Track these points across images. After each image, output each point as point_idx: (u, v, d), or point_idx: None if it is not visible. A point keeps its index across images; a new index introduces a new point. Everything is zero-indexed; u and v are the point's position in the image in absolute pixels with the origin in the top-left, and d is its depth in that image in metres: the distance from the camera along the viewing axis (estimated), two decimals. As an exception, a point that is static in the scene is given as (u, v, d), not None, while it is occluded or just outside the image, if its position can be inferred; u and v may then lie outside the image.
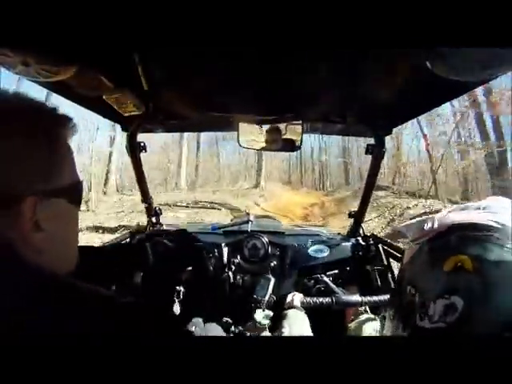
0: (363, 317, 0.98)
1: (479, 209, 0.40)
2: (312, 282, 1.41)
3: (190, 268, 1.37)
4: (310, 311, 1.06)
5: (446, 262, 0.36)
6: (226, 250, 1.52)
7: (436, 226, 0.41)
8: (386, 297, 1.01)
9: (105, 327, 0.31)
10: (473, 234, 0.37)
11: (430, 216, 0.45)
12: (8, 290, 0.30)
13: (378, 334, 0.68)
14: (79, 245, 0.43)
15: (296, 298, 1.10)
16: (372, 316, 1.01)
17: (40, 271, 0.33)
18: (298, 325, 0.94)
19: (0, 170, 0.31)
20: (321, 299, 1.11)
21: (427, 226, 0.42)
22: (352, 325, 0.96)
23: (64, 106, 0.45)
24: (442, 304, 0.34)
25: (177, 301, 1.25)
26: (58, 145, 0.37)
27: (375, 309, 1.08)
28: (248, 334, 1.16)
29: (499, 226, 0.36)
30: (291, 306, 1.05)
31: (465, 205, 0.43)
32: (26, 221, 0.33)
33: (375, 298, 1.05)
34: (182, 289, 1.30)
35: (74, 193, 0.39)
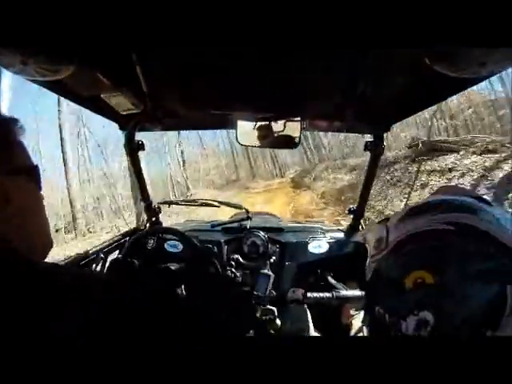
0: (363, 313, 0.99)
1: (429, 210, 0.38)
2: (312, 277, 1.42)
3: (189, 266, 1.37)
4: (311, 306, 1.07)
5: (406, 279, 0.35)
6: (225, 247, 1.52)
7: (390, 239, 0.40)
8: None
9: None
10: (427, 244, 0.36)
11: (381, 224, 0.43)
12: None
13: None
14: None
15: (297, 292, 1.11)
16: None
17: (10, 245, 0.39)
18: (299, 319, 0.94)
19: None
20: (321, 294, 1.11)
21: (380, 241, 0.41)
22: (352, 321, 0.97)
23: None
24: (413, 320, 0.34)
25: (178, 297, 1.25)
26: (11, 137, 0.44)
27: None
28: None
29: (453, 228, 0.35)
30: (293, 301, 1.06)
31: (414, 206, 0.41)
32: None
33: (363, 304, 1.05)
34: (182, 286, 1.30)
35: (32, 173, 0.46)
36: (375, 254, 0.41)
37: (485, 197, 0.39)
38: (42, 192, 0.49)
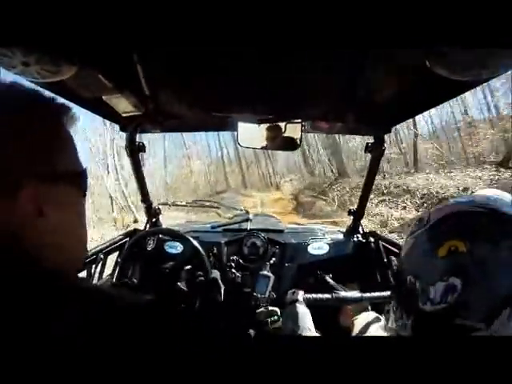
0: (364, 314, 0.99)
1: (468, 199, 0.42)
2: (312, 279, 1.42)
3: (189, 267, 1.37)
4: (310, 308, 1.07)
5: (441, 248, 0.38)
6: (225, 248, 1.52)
7: (430, 218, 0.43)
8: (386, 293, 1.01)
9: (108, 330, 0.30)
10: (462, 221, 0.39)
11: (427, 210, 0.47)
12: (7, 284, 0.29)
13: (380, 331, 0.68)
14: None
15: (297, 294, 1.11)
16: (373, 313, 1.02)
17: (42, 265, 0.33)
18: (300, 319, 0.94)
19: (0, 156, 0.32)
20: (320, 296, 1.11)
21: (422, 220, 0.44)
22: (354, 322, 0.96)
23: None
24: (441, 286, 0.37)
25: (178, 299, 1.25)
26: (56, 131, 0.37)
27: (376, 306, 1.08)
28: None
29: (485, 211, 0.38)
30: (293, 302, 1.05)
31: (461, 197, 0.45)
32: (27, 205, 0.33)
33: (375, 295, 1.05)
34: (183, 287, 1.30)
35: (76, 179, 0.39)
36: (415, 230, 0.45)
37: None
38: (85, 199, 0.42)
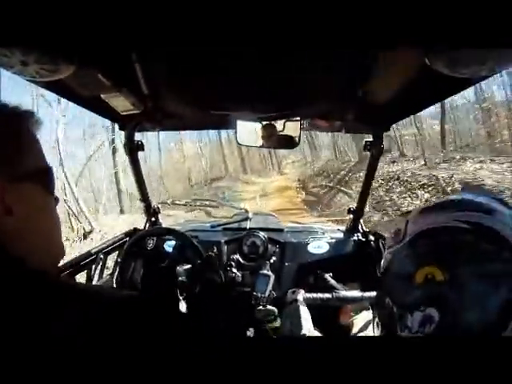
0: (364, 314, 0.99)
1: (446, 207, 0.39)
2: (311, 278, 1.42)
3: (189, 266, 1.37)
4: (310, 307, 1.07)
5: (417, 274, 0.36)
6: (225, 248, 1.53)
7: (408, 231, 0.40)
8: None
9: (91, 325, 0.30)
10: (441, 240, 0.36)
11: (402, 217, 0.45)
12: None
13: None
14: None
15: (297, 293, 1.11)
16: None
17: (16, 261, 0.33)
18: (300, 319, 0.95)
19: None
20: (320, 295, 1.12)
21: (398, 233, 0.42)
22: (353, 322, 0.97)
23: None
24: (418, 316, 0.35)
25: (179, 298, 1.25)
26: (20, 133, 0.39)
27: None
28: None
29: (468, 227, 0.35)
30: (293, 301, 1.06)
31: (434, 203, 0.42)
32: None
33: (375, 294, 1.06)
34: (182, 288, 1.30)
35: (43, 178, 0.41)
36: (392, 245, 0.42)
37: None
38: (54, 195, 0.43)
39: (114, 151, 11.63)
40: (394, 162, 10.10)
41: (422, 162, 8.79)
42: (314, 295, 1.12)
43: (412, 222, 0.41)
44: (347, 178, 10.06)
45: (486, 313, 0.32)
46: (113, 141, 11.44)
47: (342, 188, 9.13)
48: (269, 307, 1.26)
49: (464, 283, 0.33)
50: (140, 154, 1.41)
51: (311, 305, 1.07)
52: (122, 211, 11.92)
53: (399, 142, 11.38)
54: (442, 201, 0.41)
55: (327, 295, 1.10)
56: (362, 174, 8.56)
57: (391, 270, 0.41)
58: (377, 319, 0.45)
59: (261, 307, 1.27)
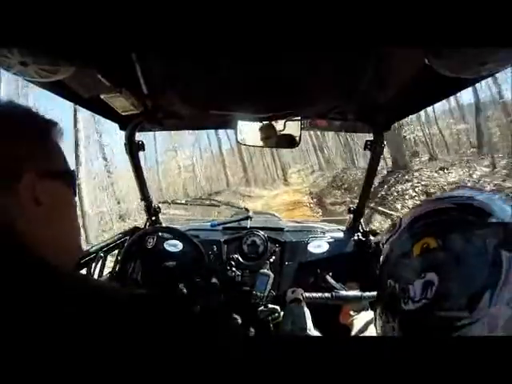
0: (363, 314, 0.99)
1: (437, 199, 0.44)
2: (311, 277, 1.42)
3: (189, 265, 1.37)
4: (310, 306, 1.07)
5: (414, 248, 0.40)
6: (225, 247, 1.53)
7: (402, 223, 0.45)
8: None
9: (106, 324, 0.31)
10: (434, 219, 0.41)
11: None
12: (8, 276, 0.31)
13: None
14: None
15: (296, 293, 1.11)
16: (372, 312, 1.02)
17: (37, 255, 0.35)
18: (299, 319, 0.95)
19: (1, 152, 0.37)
20: (320, 294, 1.12)
21: (394, 225, 0.46)
22: (353, 321, 0.97)
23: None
24: (419, 283, 0.38)
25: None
26: (50, 138, 0.43)
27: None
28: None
29: (455, 206, 0.40)
30: (293, 301, 1.06)
31: (426, 198, 0.46)
32: (25, 194, 0.37)
33: (375, 293, 1.06)
34: (182, 286, 1.31)
35: (69, 179, 0.45)
36: (389, 236, 0.47)
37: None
38: (75, 198, 0.47)
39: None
40: (442, 169, 8.39)
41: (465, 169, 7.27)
42: (314, 294, 1.12)
43: (405, 215, 0.46)
44: (383, 193, 7.64)
45: (478, 269, 0.35)
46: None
47: (380, 208, 6.65)
48: (270, 306, 1.27)
49: (455, 246, 0.37)
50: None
51: (311, 304, 1.07)
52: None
53: (430, 143, 10.43)
54: (434, 197, 0.46)
55: (327, 295, 1.11)
56: (404, 186, 7.18)
57: (390, 255, 0.45)
58: (378, 309, 0.47)
59: (262, 307, 1.27)
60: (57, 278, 0.34)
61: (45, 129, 0.43)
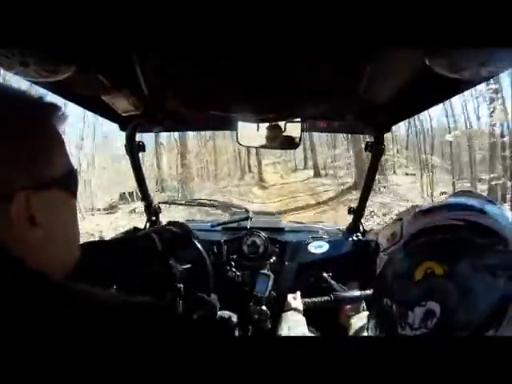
0: (363, 314, 0.99)
1: (441, 209, 0.40)
2: (311, 278, 1.42)
3: (189, 265, 1.37)
4: (309, 311, 1.07)
5: (416, 270, 0.37)
6: (225, 247, 1.52)
7: (403, 233, 0.41)
8: None
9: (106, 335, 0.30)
10: (438, 237, 0.37)
11: (400, 219, 0.45)
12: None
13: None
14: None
15: (295, 300, 1.11)
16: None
17: (36, 273, 0.32)
18: (296, 327, 0.94)
19: None
20: (320, 298, 1.11)
21: (394, 235, 0.43)
22: (352, 322, 0.96)
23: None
24: (420, 311, 0.35)
25: (178, 298, 1.25)
26: (45, 134, 0.35)
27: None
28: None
29: (462, 224, 0.37)
30: (290, 309, 1.06)
31: (429, 206, 0.43)
32: (19, 217, 0.31)
33: (371, 294, 1.06)
34: (181, 286, 1.30)
35: (68, 182, 0.37)
36: (388, 246, 0.43)
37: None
38: (75, 197, 0.40)
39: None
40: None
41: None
42: (313, 299, 1.11)
43: (407, 223, 0.42)
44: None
45: (485, 304, 0.33)
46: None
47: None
48: (264, 308, 1.27)
49: (462, 276, 0.34)
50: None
51: (311, 308, 1.07)
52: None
53: None
54: (437, 204, 0.42)
55: (325, 297, 1.10)
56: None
57: (389, 271, 0.42)
58: (371, 320, 0.45)
59: (254, 307, 1.28)
60: (52, 291, 0.31)
61: (43, 123, 0.35)
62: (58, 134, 0.37)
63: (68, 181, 0.37)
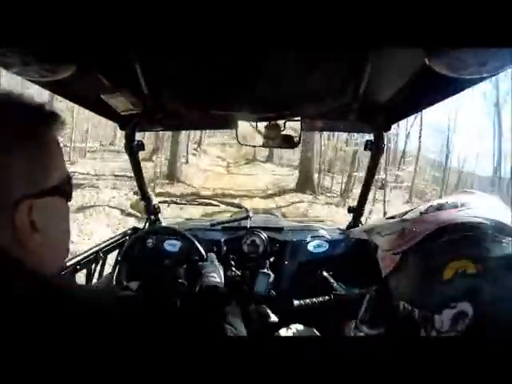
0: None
1: (456, 207, 0.38)
2: (311, 277, 1.42)
3: (188, 265, 1.37)
4: (309, 311, 1.07)
5: (445, 270, 0.34)
6: (224, 247, 1.52)
7: (418, 230, 0.38)
8: None
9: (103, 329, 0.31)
10: (465, 235, 0.35)
11: (403, 219, 0.41)
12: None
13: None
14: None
15: (292, 328, 1.10)
16: None
17: (36, 273, 0.33)
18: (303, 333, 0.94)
19: None
20: (320, 299, 1.12)
21: (403, 234, 0.39)
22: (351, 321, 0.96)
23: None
24: (449, 313, 0.33)
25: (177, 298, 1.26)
26: (47, 143, 0.36)
27: None
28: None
29: (488, 222, 0.35)
30: (297, 314, 1.04)
31: (437, 203, 0.40)
32: (22, 224, 0.32)
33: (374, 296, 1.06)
34: (182, 287, 1.30)
35: (65, 187, 0.39)
36: (399, 245, 0.39)
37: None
38: (70, 201, 0.42)
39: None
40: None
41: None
42: (313, 300, 1.11)
43: (417, 221, 0.39)
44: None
45: None
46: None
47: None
48: (263, 307, 1.27)
49: (497, 274, 0.32)
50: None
51: (310, 309, 1.06)
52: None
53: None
54: (442, 202, 0.40)
55: (325, 298, 1.10)
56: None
57: (406, 272, 0.39)
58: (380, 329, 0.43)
59: (254, 306, 1.28)
60: (45, 290, 0.32)
61: (43, 133, 0.36)
62: (57, 141, 0.38)
63: (65, 186, 0.39)
